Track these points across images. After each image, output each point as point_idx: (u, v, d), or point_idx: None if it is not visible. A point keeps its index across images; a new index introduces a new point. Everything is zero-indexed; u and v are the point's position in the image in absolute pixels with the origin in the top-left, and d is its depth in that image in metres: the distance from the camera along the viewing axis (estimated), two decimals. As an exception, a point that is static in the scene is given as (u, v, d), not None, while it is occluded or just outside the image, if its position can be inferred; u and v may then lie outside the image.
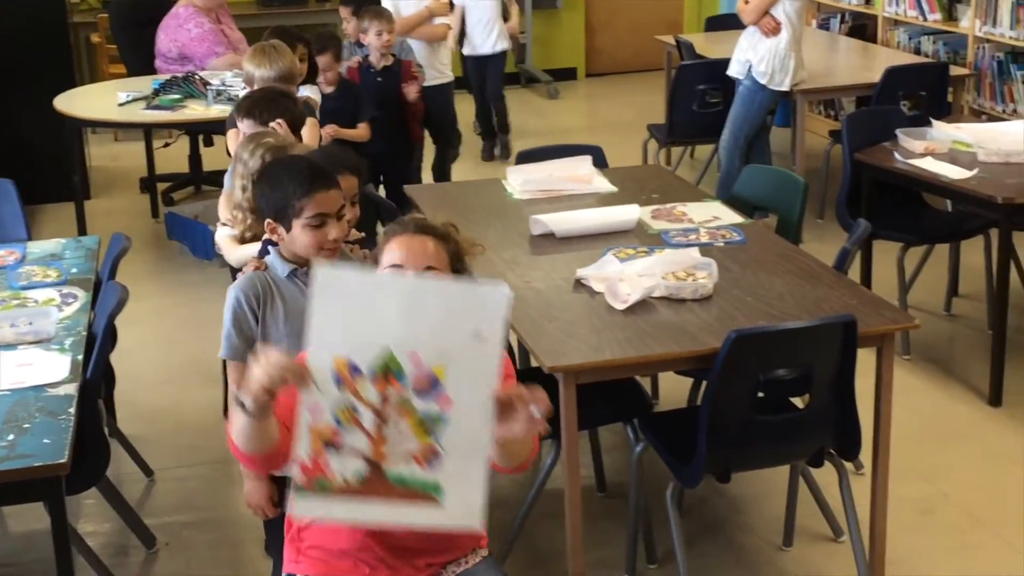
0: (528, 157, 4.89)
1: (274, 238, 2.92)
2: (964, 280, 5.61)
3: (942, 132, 5.19)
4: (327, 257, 2.86)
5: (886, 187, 5.07)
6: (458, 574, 2.56)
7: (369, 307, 1.99)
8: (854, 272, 4.58)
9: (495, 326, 2.01)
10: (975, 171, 4.73)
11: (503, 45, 7.98)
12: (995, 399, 4.59)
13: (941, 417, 4.55)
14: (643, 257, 3.74)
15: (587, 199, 4.43)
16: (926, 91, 6.52)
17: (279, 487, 2.97)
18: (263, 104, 3.94)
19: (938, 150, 5.01)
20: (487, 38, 7.86)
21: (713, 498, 3.98)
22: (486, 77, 8.03)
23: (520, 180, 4.59)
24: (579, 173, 4.64)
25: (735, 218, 4.19)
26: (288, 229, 2.86)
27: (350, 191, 3.23)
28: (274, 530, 3.56)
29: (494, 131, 8.26)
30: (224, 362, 3.14)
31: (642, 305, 3.41)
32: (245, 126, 3.90)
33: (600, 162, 4.91)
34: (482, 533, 2.53)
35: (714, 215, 4.22)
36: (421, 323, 2.01)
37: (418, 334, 2.01)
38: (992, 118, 6.79)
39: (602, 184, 4.60)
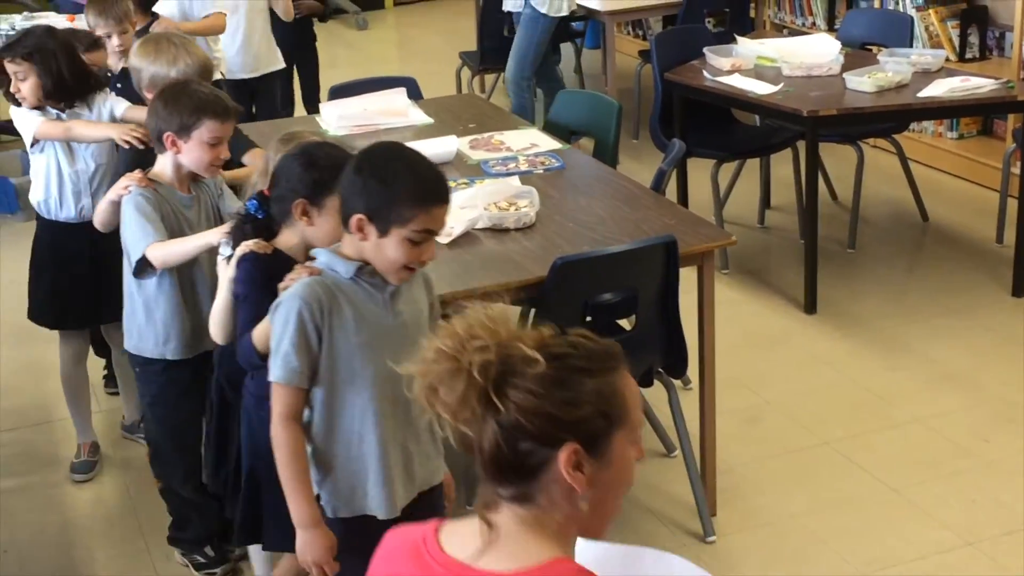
0: (341, 92, 4.80)
1: (356, 236, 2.34)
2: (775, 192, 5.77)
3: (747, 48, 5.29)
4: (405, 277, 2.40)
5: (697, 105, 5.15)
6: None
7: None
8: (671, 190, 4.66)
9: None
10: (780, 85, 4.84)
11: (274, 63, 5.77)
12: (810, 307, 4.74)
13: (761, 327, 4.68)
14: (464, 189, 3.71)
15: (404, 132, 4.37)
16: (729, 7, 6.64)
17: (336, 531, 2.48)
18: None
19: (744, 66, 5.11)
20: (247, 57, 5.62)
21: (547, 423, 4.02)
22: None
23: (335, 116, 4.50)
24: (394, 106, 4.58)
25: (553, 144, 4.20)
26: (382, 234, 2.31)
27: None
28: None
29: None
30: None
31: (466, 238, 3.39)
32: (208, 131, 3.00)
33: (415, 93, 4.85)
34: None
35: (532, 142, 4.22)
36: None
37: None
38: (793, 32, 6.97)
39: (418, 116, 4.55)
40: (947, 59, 5.26)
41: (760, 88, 4.84)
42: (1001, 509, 3.48)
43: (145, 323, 3.15)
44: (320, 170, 2.53)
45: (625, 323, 3.57)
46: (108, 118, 3.67)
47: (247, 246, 2.59)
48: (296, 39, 6.11)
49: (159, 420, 3.28)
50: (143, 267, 3.03)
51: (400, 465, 2.47)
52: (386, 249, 2.32)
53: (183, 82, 3.15)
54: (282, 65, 5.82)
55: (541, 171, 3.93)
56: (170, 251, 3.00)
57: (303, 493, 2.40)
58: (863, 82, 4.72)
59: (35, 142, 3.64)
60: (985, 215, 5.46)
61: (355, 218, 2.31)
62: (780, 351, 4.50)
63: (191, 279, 3.13)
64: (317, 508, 2.43)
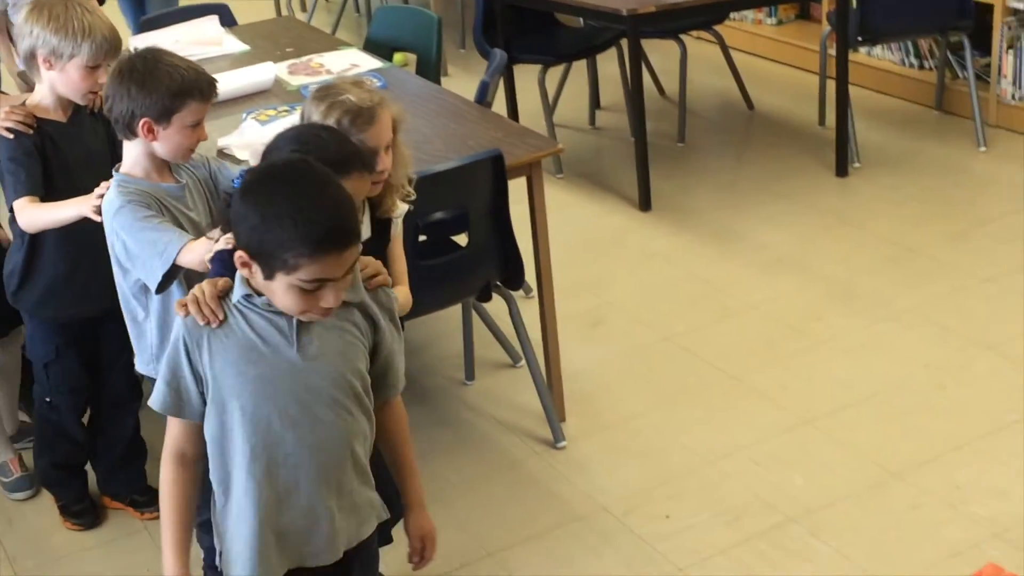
0: (151, 24, 4.64)
1: (243, 272, 2.00)
2: (604, 93, 5.80)
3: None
4: (312, 319, 2.03)
5: (519, 10, 5.12)
6: None
7: None
8: (499, 99, 4.64)
9: None
10: (599, -14, 4.83)
11: None
12: (644, 204, 4.81)
13: (597, 229, 4.73)
14: (285, 116, 3.63)
15: (219, 62, 4.25)
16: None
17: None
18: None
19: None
20: None
21: (393, 345, 4.01)
22: None
23: (145, 50, 4.34)
24: (207, 35, 4.45)
25: (374, 63, 4.13)
26: (267, 277, 1.95)
27: (360, 193, 2.35)
28: None
29: None
30: None
31: (291, 168, 3.32)
32: None
33: (228, 20, 4.71)
34: None
35: (352, 63, 4.15)
36: None
37: None
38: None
39: (233, 44, 4.43)
40: (760, -53, 5.31)
41: (579, -11, 4.82)
42: (837, 386, 3.61)
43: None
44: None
45: (462, 239, 3.57)
46: None
47: (226, 240, 2.17)
48: None
49: None
50: (172, 276, 2.56)
51: (301, 532, 2.11)
52: (275, 294, 1.99)
53: (152, 55, 2.58)
54: None
55: (363, 92, 3.86)
56: (197, 252, 2.47)
57: (171, 541, 2.09)
58: (679, -24, 4.73)
59: None
60: (807, 99, 5.58)
61: (238, 256, 2.00)
62: (618, 251, 4.56)
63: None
64: (185, 563, 2.10)
